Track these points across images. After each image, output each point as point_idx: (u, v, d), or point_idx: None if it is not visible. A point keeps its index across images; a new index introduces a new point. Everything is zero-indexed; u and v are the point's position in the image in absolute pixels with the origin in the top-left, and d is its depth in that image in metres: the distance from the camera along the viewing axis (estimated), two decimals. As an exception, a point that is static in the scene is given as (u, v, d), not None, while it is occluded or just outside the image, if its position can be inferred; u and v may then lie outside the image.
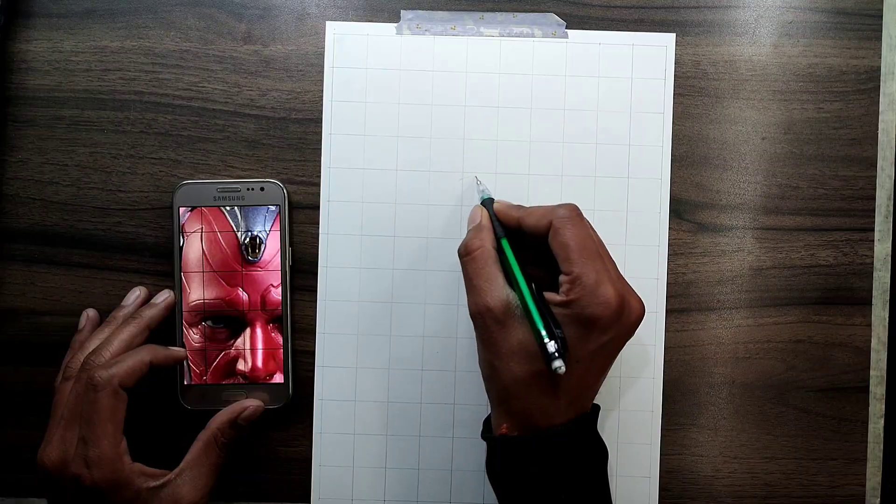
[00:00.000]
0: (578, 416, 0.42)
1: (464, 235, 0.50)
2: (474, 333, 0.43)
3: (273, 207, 0.49)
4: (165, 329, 0.48)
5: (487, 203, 0.47)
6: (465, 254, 0.43)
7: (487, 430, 0.45)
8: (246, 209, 0.49)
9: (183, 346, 0.49)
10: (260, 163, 0.51)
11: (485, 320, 0.41)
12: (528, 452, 0.41)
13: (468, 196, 0.51)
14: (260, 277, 0.49)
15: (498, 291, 0.42)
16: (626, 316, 0.41)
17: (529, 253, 0.44)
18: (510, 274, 0.42)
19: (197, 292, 0.49)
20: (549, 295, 0.41)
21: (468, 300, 0.43)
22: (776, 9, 0.51)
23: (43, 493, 0.45)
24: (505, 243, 0.44)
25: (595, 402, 0.44)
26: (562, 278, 0.41)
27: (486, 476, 0.44)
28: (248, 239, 0.49)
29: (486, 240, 0.44)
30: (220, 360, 0.49)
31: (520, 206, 0.45)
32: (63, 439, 0.43)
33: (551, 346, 0.39)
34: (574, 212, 0.43)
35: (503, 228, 0.45)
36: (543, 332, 0.40)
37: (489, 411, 0.44)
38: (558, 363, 0.39)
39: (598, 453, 0.43)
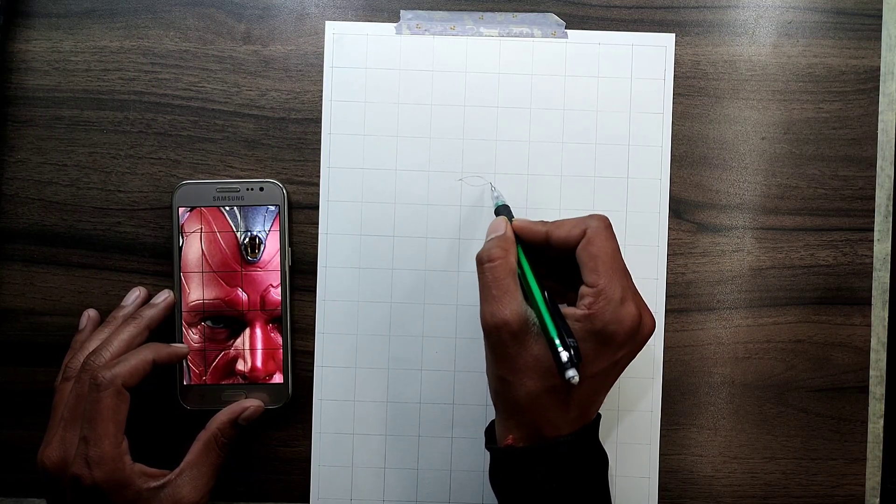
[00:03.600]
0: (583, 426, 0.42)
1: (463, 234, 0.51)
2: (484, 345, 0.42)
3: (272, 207, 0.49)
4: (165, 329, 0.48)
5: (503, 210, 0.46)
6: (487, 261, 0.42)
7: (491, 440, 0.45)
8: (245, 209, 0.49)
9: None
10: (259, 163, 0.51)
11: (500, 334, 0.41)
12: (534, 463, 0.41)
13: (468, 196, 0.51)
14: (259, 277, 0.49)
15: (516, 305, 0.41)
16: (640, 333, 0.41)
17: (542, 267, 0.44)
18: (525, 283, 0.42)
19: (196, 292, 0.49)
20: (568, 309, 0.41)
21: (483, 309, 0.42)
22: (776, 9, 0.51)
23: (43, 493, 0.45)
24: (520, 251, 0.43)
25: None
26: (584, 290, 0.41)
27: (489, 484, 0.44)
28: (247, 239, 0.49)
29: (510, 252, 0.43)
30: (219, 361, 0.49)
31: (544, 221, 0.44)
32: (63, 440, 0.43)
33: (565, 355, 0.39)
34: (606, 223, 0.42)
35: (521, 241, 0.44)
36: (557, 341, 0.39)
37: (489, 412, 0.44)
38: (572, 372, 0.39)
39: (600, 460, 0.43)
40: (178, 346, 0.47)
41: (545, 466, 0.41)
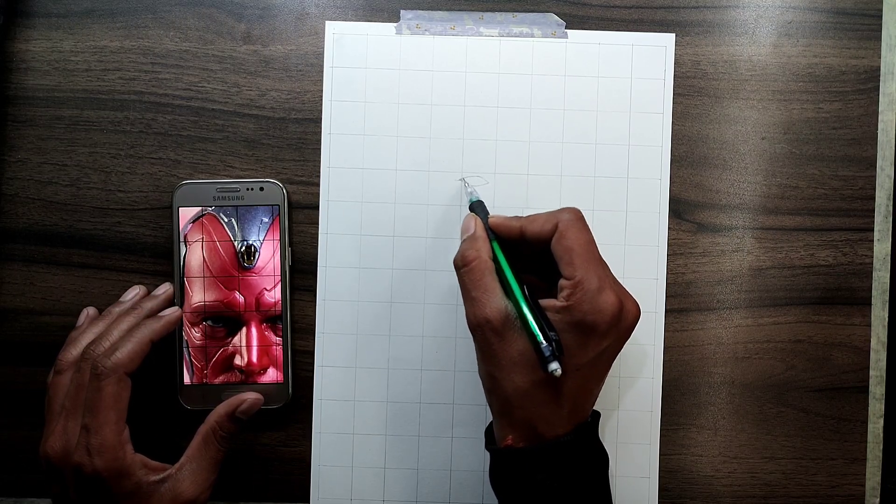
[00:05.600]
0: (581, 424, 0.42)
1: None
2: (473, 345, 0.43)
3: (272, 207, 0.50)
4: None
5: (477, 206, 0.47)
6: (462, 265, 0.43)
7: (490, 441, 0.45)
8: (243, 217, 0.49)
9: (184, 342, 0.49)
10: (259, 163, 0.51)
11: (484, 332, 0.41)
12: (534, 463, 0.41)
13: (468, 196, 0.51)
14: (255, 282, 0.50)
15: (496, 303, 0.41)
16: (624, 320, 0.41)
17: (522, 262, 0.44)
18: (503, 279, 0.42)
19: (198, 295, 0.49)
20: (547, 301, 0.41)
21: (466, 312, 0.42)
22: (776, 9, 0.51)
23: (47, 487, 0.45)
24: (496, 247, 0.44)
25: (594, 406, 0.44)
26: (562, 282, 0.41)
27: (490, 485, 0.44)
28: (243, 248, 0.50)
29: (483, 250, 0.43)
30: (219, 356, 0.50)
31: (518, 217, 0.45)
32: (65, 429, 0.43)
33: (546, 348, 0.39)
34: (578, 215, 0.43)
35: (496, 237, 0.44)
36: (539, 335, 0.40)
37: (489, 412, 0.44)
38: (554, 365, 0.39)
39: (601, 460, 0.43)
40: (170, 313, 0.47)
41: (546, 467, 0.41)
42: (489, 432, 0.46)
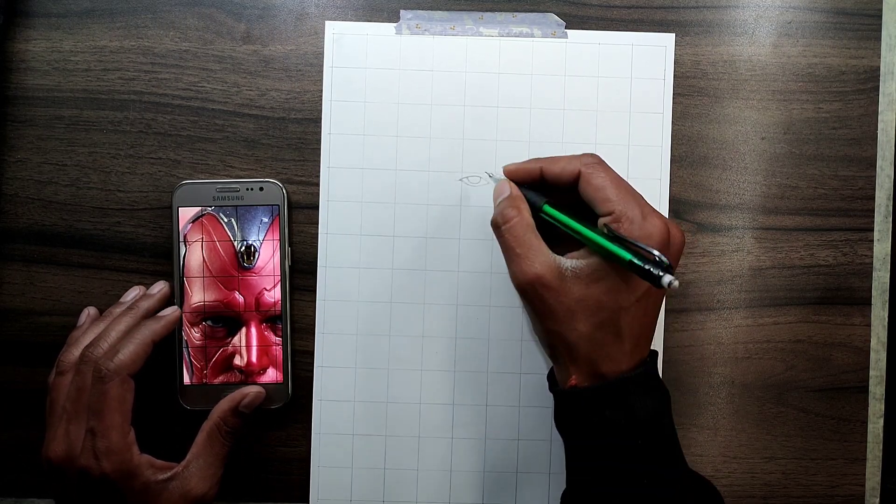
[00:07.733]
0: (642, 360, 0.42)
1: (463, 234, 0.51)
2: (522, 306, 0.42)
3: (272, 207, 0.50)
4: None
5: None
6: (503, 223, 0.42)
7: (554, 384, 0.44)
8: (243, 217, 0.49)
9: (183, 342, 0.49)
10: (259, 163, 0.51)
11: (535, 288, 0.41)
12: (602, 401, 0.41)
13: (467, 196, 0.51)
14: (254, 282, 0.50)
15: (543, 257, 0.41)
16: (673, 245, 0.41)
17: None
18: (573, 232, 0.41)
19: (198, 295, 0.49)
20: None
21: (511, 271, 0.42)
22: (776, 9, 0.51)
23: (49, 489, 0.45)
24: (548, 208, 0.43)
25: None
26: (602, 220, 0.41)
27: (554, 426, 0.43)
28: (243, 248, 0.50)
29: (522, 208, 0.43)
30: (218, 356, 0.50)
31: (536, 159, 0.44)
32: (67, 433, 0.43)
33: (656, 264, 0.38)
34: (599, 159, 0.43)
35: (547, 193, 0.43)
36: (637, 261, 0.39)
37: (489, 412, 0.44)
38: (668, 278, 0.38)
39: (664, 397, 0.43)
40: (170, 313, 0.47)
41: (613, 403, 0.41)
42: (551, 376, 0.45)
